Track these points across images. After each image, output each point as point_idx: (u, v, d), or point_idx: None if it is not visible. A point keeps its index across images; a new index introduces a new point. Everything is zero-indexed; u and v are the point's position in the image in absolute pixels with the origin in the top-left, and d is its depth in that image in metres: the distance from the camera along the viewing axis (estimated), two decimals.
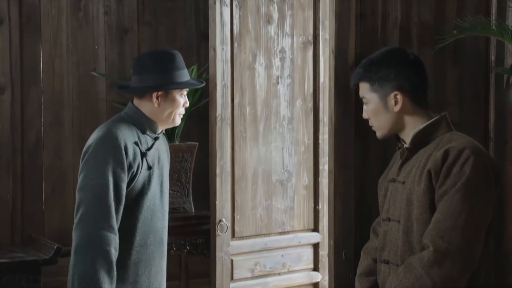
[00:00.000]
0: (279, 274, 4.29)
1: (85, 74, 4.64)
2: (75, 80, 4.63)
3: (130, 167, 2.95)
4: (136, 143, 3.00)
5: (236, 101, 4.11)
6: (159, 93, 3.04)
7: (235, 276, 4.14)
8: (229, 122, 4.09)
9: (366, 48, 3.68)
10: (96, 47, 4.69)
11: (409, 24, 3.72)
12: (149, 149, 3.05)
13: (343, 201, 3.75)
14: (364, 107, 2.60)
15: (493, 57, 3.76)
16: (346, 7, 3.63)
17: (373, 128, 2.62)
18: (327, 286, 4.39)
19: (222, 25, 4.03)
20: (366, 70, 2.55)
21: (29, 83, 4.53)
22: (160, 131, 3.13)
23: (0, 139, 4.47)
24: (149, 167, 3.03)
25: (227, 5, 4.03)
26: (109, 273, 2.89)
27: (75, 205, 2.95)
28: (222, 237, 4.07)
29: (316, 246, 4.38)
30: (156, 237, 3.08)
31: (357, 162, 3.78)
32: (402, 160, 2.58)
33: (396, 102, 2.51)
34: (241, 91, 4.12)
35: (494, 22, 3.57)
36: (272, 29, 4.21)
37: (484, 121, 3.75)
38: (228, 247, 4.11)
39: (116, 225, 2.92)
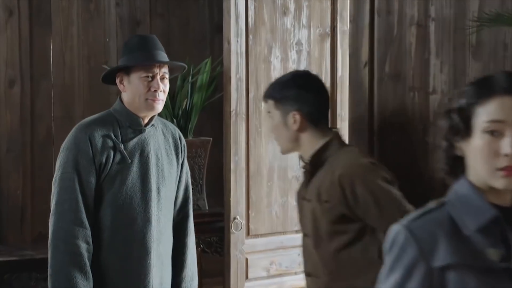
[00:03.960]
0: (295, 273, 4.21)
1: (96, 67, 4.60)
2: (86, 74, 4.62)
3: (96, 159, 2.97)
4: (107, 136, 3.00)
5: (251, 95, 4.07)
6: (122, 77, 3.05)
7: (250, 275, 4.09)
8: (244, 116, 4.05)
9: (382, 46, 3.64)
10: (107, 39, 4.69)
11: (426, 21, 3.65)
12: (125, 141, 3.02)
13: None
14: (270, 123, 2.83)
15: None
16: (361, 4, 3.57)
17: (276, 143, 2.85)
18: None
19: (237, 17, 3.98)
20: (273, 89, 2.79)
21: (39, 76, 4.52)
22: (146, 122, 3.08)
23: (10, 133, 4.45)
24: (124, 160, 3.01)
25: None
26: (80, 266, 2.91)
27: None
28: (236, 235, 4.02)
29: None
30: (134, 234, 3.04)
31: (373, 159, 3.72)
32: (305, 179, 2.79)
33: (294, 121, 2.72)
34: (256, 85, 4.07)
35: None
36: (288, 21, 4.16)
37: None
38: (242, 246, 4.06)
39: (85, 218, 2.94)
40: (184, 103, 4.43)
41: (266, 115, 2.87)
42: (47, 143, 4.52)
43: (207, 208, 4.41)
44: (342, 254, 2.67)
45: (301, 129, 2.74)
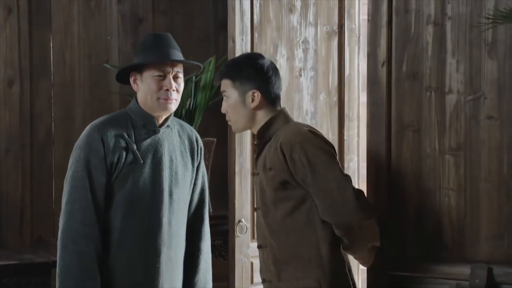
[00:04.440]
0: None
1: (97, 66, 4.60)
2: (86, 73, 4.60)
3: (108, 158, 2.98)
4: (120, 135, 3.02)
5: None
6: (136, 76, 3.06)
7: (255, 280, 4.02)
8: None
9: (399, 45, 3.63)
10: (109, 37, 4.68)
11: (443, 19, 3.63)
12: (138, 141, 3.04)
13: (374, 200, 3.67)
14: (224, 102, 2.99)
15: None
16: (380, 3, 3.57)
17: (229, 123, 3.02)
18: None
19: (242, 14, 3.95)
20: (230, 69, 2.98)
21: (38, 75, 4.49)
22: (161, 122, 3.09)
23: (9, 133, 4.43)
24: (136, 161, 3.02)
25: None
26: (88, 267, 2.92)
27: None
28: (241, 239, 3.98)
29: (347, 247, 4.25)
30: (144, 237, 3.03)
31: (389, 159, 3.70)
32: (255, 155, 3.00)
33: (253, 99, 2.92)
34: None
35: None
36: (295, 18, 4.12)
37: None
38: (247, 249, 4.01)
39: (94, 218, 2.95)
40: (188, 103, 4.41)
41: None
42: (47, 144, 4.50)
43: (211, 210, 4.33)
44: (287, 221, 2.86)
45: (258, 107, 2.94)
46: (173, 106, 3.05)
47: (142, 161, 3.01)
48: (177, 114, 4.33)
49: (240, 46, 3.93)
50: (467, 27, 3.76)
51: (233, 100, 2.95)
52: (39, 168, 4.48)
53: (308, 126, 3.01)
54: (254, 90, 2.92)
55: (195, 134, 3.24)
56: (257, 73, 2.93)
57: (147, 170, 3.03)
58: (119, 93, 4.59)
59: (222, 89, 3.00)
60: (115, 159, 2.98)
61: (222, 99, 4.36)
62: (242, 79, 2.93)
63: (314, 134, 2.90)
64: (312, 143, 2.85)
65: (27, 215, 4.43)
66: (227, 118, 3.03)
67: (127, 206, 3.00)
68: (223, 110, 3.02)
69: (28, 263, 3.98)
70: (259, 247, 3.00)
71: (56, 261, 3.87)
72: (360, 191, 2.87)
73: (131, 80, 3.06)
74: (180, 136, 3.17)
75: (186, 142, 3.18)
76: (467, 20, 3.77)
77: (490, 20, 3.50)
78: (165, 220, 3.05)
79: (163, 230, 3.05)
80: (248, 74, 2.93)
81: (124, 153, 3.00)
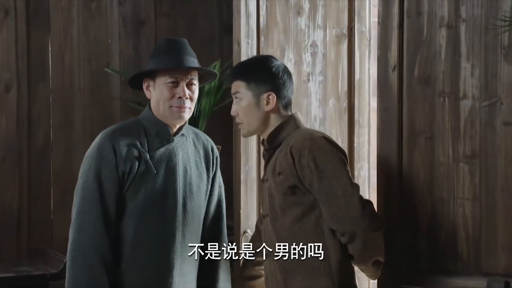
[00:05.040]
0: None
1: (98, 70, 4.61)
2: (86, 77, 4.59)
3: (120, 168, 2.96)
4: (133, 144, 3.00)
5: None
6: (149, 83, 3.04)
7: None
8: None
9: (411, 48, 3.59)
10: (109, 40, 4.70)
11: (457, 22, 3.77)
12: (151, 151, 3.01)
13: (385, 209, 3.64)
14: (234, 105, 2.99)
15: None
16: (391, 4, 3.53)
17: (239, 126, 3.02)
18: None
19: (248, 17, 3.91)
20: (245, 70, 2.98)
21: (36, 79, 4.50)
22: (175, 131, 3.07)
23: (5, 140, 4.44)
24: (149, 171, 2.99)
25: None
26: (97, 281, 2.90)
27: None
28: None
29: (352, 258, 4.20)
30: (156, 249, 3.01)
31: (400, 167, 3.67)
32: (265, 161, 3.01)
33: (268, 102, 2.93)
34: None
35: None
36: (303, 21, 4.07)
37: None
38: None
39: (105, 230, 2.93)
40: None
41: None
42: (45, 151, 4.50)
43: None
44: (296, 228, 2.85)
45: (272, 110, 2.94)
46: (187, 114, 3.00)
47: (155, 171, 2.98)
48: None
49: (246, 49, 3.89)
50: (482, 30, 3.73)
51: (247, 102, 2.94)
52: (37, 176, 4.48)
53: (321, 132, 3.00)
54: (269, 93, 2.93)
55: (210, 143, 3.20)
56: (272, 75, 2.95)
57: (160, 180, 2.99)
58: (120, 98, 4.58)
59: (234, 90, 2.98)
60: (127, 169, 2.95)
61: (227, 105, 4.33)
62: (257, 81, 2.93)
63: (326, 140, 2.88)
64: (322, 149, 2.84)
65: (24, 225, 4.43)
66: (237, 121, 3.01)
67: (139, 217, 2.98)
68: (233, 113, 3.00)
69: (25, 275, 3.96)
70: (265, 257, 2.96)
71: (54, 274, 3.98)
72: (369, 202, 2.82)
73: (144, 86, 3.03)
74: (195, 145, 3.13)
75: (201, 152, 3.14)
76: (482, 22, 3.73)
77: (506, 23, 3.47)
78: (178, 233, 3.02)
79: (177, 244, 3.01)
80: (263, 76, 2.94)
81: (137, 163, 2.97)
